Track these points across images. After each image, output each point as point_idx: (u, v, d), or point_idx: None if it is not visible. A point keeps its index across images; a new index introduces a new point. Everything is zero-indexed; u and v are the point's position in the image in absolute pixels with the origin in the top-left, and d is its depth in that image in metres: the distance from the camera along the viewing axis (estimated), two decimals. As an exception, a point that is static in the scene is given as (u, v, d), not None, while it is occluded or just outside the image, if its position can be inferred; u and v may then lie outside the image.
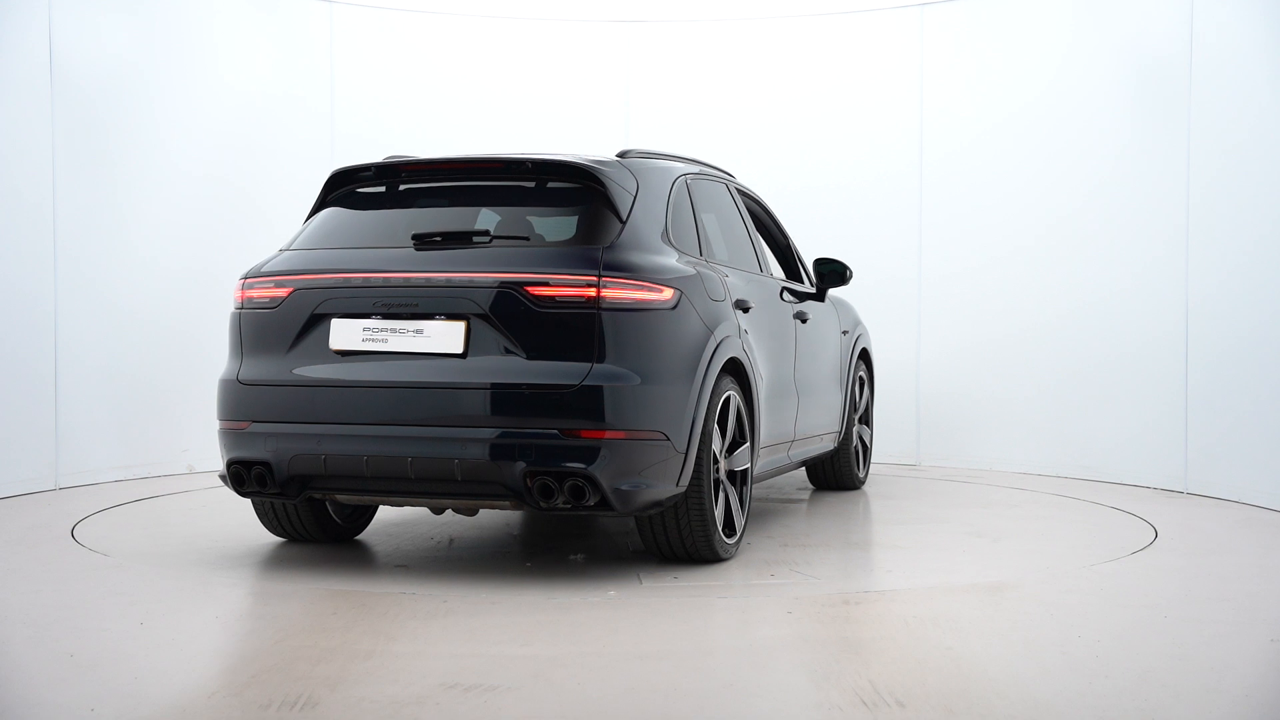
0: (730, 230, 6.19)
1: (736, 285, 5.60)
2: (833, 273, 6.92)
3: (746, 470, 5.48)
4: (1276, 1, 6.93)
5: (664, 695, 3.53)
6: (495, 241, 4.99)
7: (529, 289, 4.73)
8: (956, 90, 8.80)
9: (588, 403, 4.67)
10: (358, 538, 5.89)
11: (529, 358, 4.74)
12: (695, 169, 5.96)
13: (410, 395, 4.80)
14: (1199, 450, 7.38)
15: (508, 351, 4.76)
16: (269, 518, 5.59)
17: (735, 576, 5.06)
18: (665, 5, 9.45)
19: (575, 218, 5.07)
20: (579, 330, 4.71)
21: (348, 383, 4.89)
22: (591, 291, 4.72)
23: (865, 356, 7.71)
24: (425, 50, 9.19)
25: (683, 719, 3.37)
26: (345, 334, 4.93)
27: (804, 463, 6.74)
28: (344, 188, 5.43)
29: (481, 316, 4.78)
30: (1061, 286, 8.25)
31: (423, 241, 4.99)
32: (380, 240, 5.15)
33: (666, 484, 4.84)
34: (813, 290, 6.93)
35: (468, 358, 4.78)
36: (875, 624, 4.32)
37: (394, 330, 4.87)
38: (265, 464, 4.96)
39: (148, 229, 7.88)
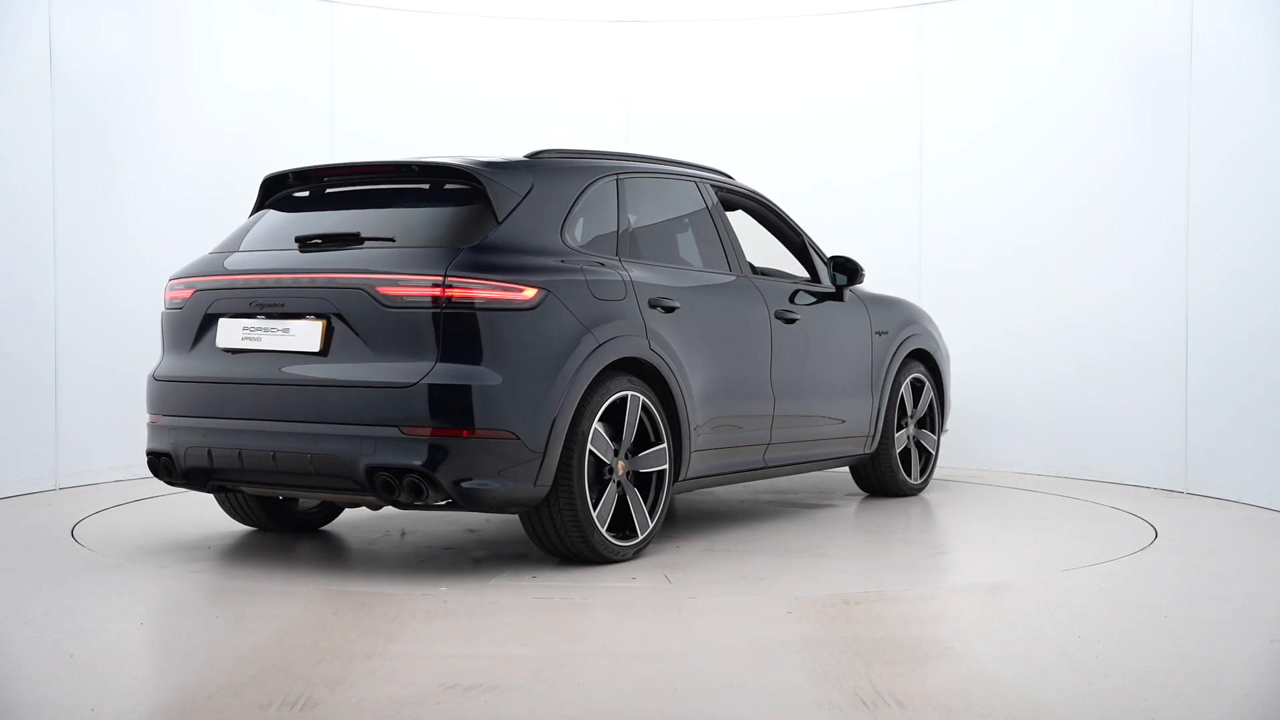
0: (695, 230, 6.14)
1: (655, 284, 5.51)
2: (842, 271, 6.82)
3: (663, 472, 5.42)
4: (1276, 2, 6.93)
5: (664, 695, 3.53)
6: (367, 243, 5.09)
7: (380, 289, 4.87)
8: (956, 90, 8.80)
9: (426, 402, 4.76)
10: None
11: (378, 357, 4.86)
12: (641, 168, 5.92)
13: (277, 392, 5.02)
14: (1199, 450, 7.38)
15: (361, 350, 4.89)
16: (227, 505, 5.90)
17: (599, 579, 4.98)
18: (665, 5, 9.45)
19: (450, 218, 5.16)
20: (423, 330, 4.81)
21: (227, 380, 5.16)
22: (436, 291, 4.80)
23: (924, 358, 7.37)
24: (425, 50, 9.19)
25: (683, 719, 3.37)
26: (229, 333, 5.19)
27: (796, 466, 6.54)
28: (277, 192, 5.67)
29: (339, 316, 4.93)
30: (1061, 286, 8.25)
31: (304, 243, 5.18)
32: (275, 243, 5.35)
33: (521, 484, 4.87)
34: (831, 289, 6.74)
35: (327, 356, 4.95)
36: (875, 624, 4.32)
37: (267, 329, 5.09)
38: (169, 455, 5.29)
39: (148, 229, 7.88)
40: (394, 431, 4.77)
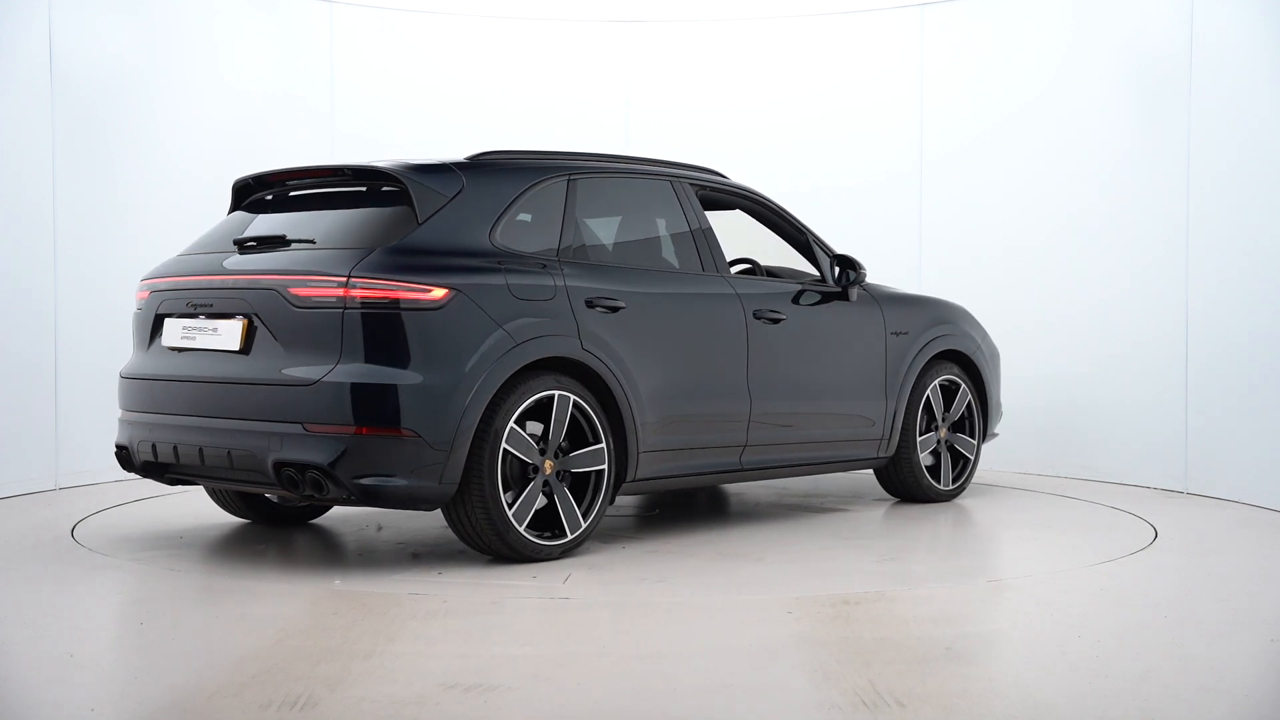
0: (666, 230, 6.11)
1: (595, 285, 5.49)
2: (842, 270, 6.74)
3: (602, 472, 5.41)
4: (1276, 2, 6.93)
5: (664, 695, 3.53)
6: (293, 245, 5.25)
7: (291, 290, 5.03)
8: (956, 90, 8.80)
9: (326, 400, 4.89)
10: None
11: (290, 355, 5.02)
12: (603, 167, 5.91)
13: (206, 389, 5.25)
14: (1199, 450, 7.38)
15: (276, 350, 5.05)
16: (213, 496, 6.18)
17: (496, 578, 4.99)
18: (665, 5, 9.45)
19: (373, 220, 5.27)
20: (329, 329, 4.93)
21: (169, 377, 5.41)
22: (340, 291, 4.92)
23: (960, 359, 7.15)
24: (425, 50, 9.19)
25: (683, 719, 3.37)
26: (172, 332, 5.44)
27: (788, 469, 6.42)
28: (246, 196, 5.85)
29: (257, 316, 5.11)
30: (1061, 286, 8.25)
31: (240, 245, 5.37)
32: (218, 245, 5.55)
33: (425, 481, 4.93)
34: (838, 289, 6.59)
35: (248, 355, 5.13)
36: (875, 624, 4.32)
37: (200, 329, 5.32)
38: (126, 449, 5.57)
39: (148, 229, 7.87)
40: (298, 429, 4.92)
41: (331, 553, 5.61)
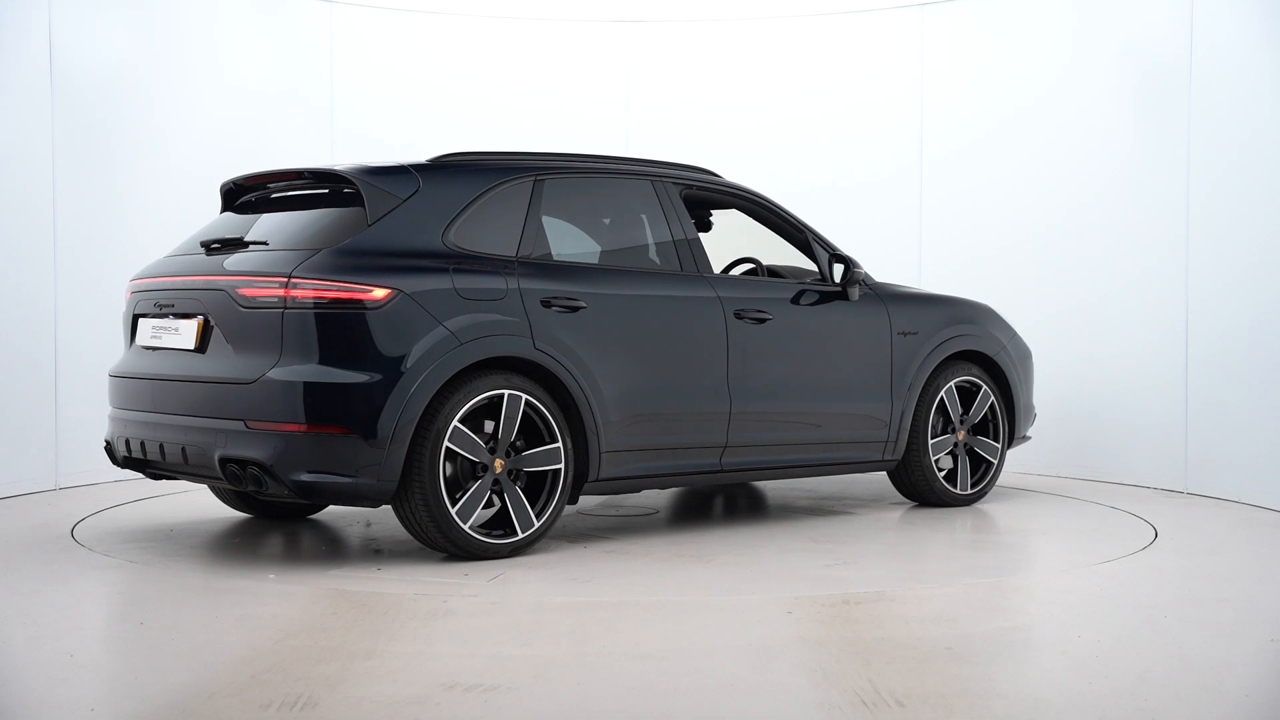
0: (643, 229, 6.09)
1: (553, 285, 5.50)
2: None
3: (558, 471, 5.43)
4: (1277, 3, 6.93)
5: (664, 695, 3.53)
6: (250, 246, 5.40)
7: (239, 290, 5.19)
8: (956, 90, 8.80)
9: (265, 397, 5.03)
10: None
11: (238, 354, 5.17)
12: (575, 167, 5.91)
13: (168, 387, 5.44)
14: (1199, 450, 7.38)
15: (226, 349, 5.22)
16: (214, 491, 6.30)
17: (433, 574, 5.04)
18: (665, 5, 9.45)
19: (326, 221, 5.40)
20: (271, 328, 5.08)
21: (141, 375, 5.60)
22: (281, 292, 5.06)
23: (982, 360, 6.99)
24: (425, 50, 9.19)
25: (683, 719, 3.37)
26: (144, 332, 5.67)
27: (777, 471, 6.34)
28: (233, 199, 5.99)
29: (211, 316, 5.29)
30: (1062, 287, 8.25)
31: (207, 248, 5.54)
32: (190, 247, 5.73)
33: (364, 479, 5.02)
34: (838, 288, 6.49)
35: (204, 354, 5.31)
36: (875, 624, 4.32)
37: (166, 329, 5.52)
38: (110, 443, 5.77)
39: (148, 228, 7.86)
40: (240, 425, 5.07)
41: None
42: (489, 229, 5.52)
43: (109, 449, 5.79)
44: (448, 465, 5.22)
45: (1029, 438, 7.41)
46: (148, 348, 5.61)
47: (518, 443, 5.37)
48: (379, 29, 9.02)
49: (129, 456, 5.63)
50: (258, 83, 8.50)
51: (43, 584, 4.88)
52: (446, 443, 5.14)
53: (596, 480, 5.60)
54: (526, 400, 5.35)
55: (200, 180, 8.14)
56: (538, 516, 5.40)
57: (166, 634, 4.19)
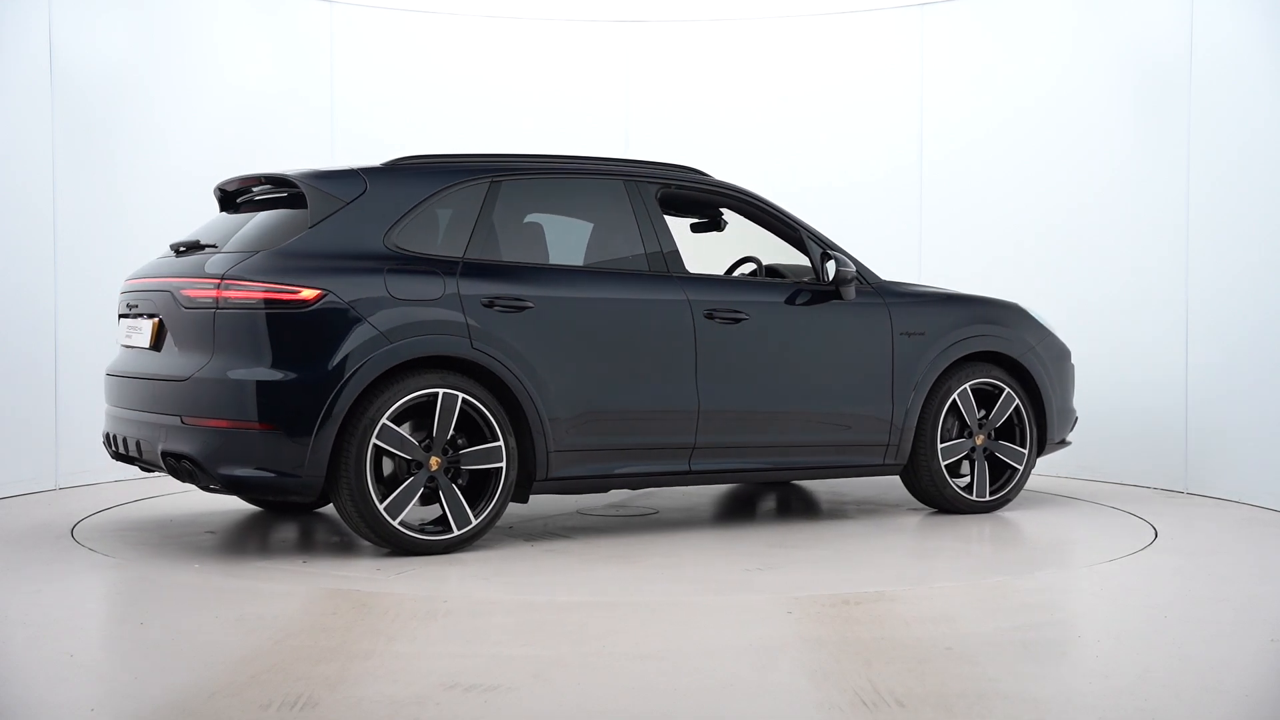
0: (611, 230, 6.07)
1: (496, 286, 5.53)
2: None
3: (499, 469, 5.46)
4: (1277, 3, 6.93)
5: (664, 695, 3.53)
6: (206, 249, 5.60)
7: (181, 292, 5.42)
8: (956, 90, 8.80)
9: (197, 394, 5.26)
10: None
11: (181, 352, 5.41)
12: (536, 168, 5.94)
13: (131, 384, 5.68)
14: (1199, 450, 7.38)
15: (173, 348, 5.46)
16: None
17: (363, 570, 5.11)
18: (665, 5, 9.45)
19: (273, 224, 5.57)
20: (206, 328, 5.31)
21: (118, 373, 5.85)
22: (215, 293, 5.28)
23: (1005, 362, 6.73)
24: (425, 50, 9.19)
25: (683, 719, 3.37)
26: (122, 331, 5.93)
27: (760, 473, 6.29)
28: (225, 202, 6.12)
29: (163, 316, 5.53)
30: (1062, 287, 8.24)
31: (176, 250, 5.74)
32: (164, 250, 5.93)
33: (288, 475, 5.19)
34: (831, 287, 6.30)
35: (158, 352, 5.56)
36: (875, 624, 4.32)
37: (134, 328, 5.77)
38: (104, 437, 5.97)
39: (148, 228, 7.84)
40: (177, 420, 5.30)
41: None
42: (435, 231, 5.63)
43: (105, 441, 5.99)
44: (388, 462, 5.37)
45: (1068, 443, 7.08)
46: (124, 346, 5.88)
47: (459, 441, 5.44)
48: (379, 29, 9.02)
49: (117, 451, 5.82)
50: (258, 83, 8.50)
51: (43, 584, 4.88)
52: (376, 440, 5.25)
53: (546, 480, 5.63)
54: (465, 399, 5.41)
55: (200, 180, 8.13)
56: (477, 515, 5.45)
57: (166, 634, 4.19)
